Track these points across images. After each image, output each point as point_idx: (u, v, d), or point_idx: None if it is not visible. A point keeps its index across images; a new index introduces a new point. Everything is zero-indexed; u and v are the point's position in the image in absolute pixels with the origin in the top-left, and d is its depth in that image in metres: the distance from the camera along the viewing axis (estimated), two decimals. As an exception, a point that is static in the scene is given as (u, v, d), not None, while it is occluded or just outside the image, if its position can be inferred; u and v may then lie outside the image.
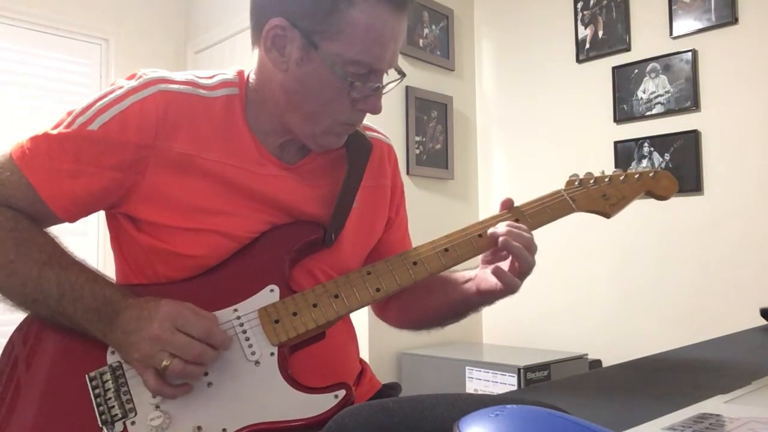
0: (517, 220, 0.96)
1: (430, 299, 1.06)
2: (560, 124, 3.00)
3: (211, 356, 0.79)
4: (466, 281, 1.01)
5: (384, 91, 0.89)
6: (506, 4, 3.28)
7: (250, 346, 0.83)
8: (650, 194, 1.05)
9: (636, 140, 2.72)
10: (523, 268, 0.93)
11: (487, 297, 0.98)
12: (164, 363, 0.76)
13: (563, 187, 1.02)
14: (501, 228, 0.93)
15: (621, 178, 1.03)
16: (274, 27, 0.84)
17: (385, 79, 0.89)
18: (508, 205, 0.99)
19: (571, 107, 2.97)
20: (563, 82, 3.01)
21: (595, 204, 1.01)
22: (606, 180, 1.02)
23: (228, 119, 0.90)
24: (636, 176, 1.04)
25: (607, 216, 1.02)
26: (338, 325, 0.95)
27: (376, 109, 0.89)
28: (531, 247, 0.92)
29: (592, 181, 1.02)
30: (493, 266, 0.94)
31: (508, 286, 0.93)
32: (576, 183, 1.02)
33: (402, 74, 0.90)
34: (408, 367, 2.78)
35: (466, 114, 3.31)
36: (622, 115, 2.78)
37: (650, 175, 1.04)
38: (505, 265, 0.95)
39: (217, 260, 0.87)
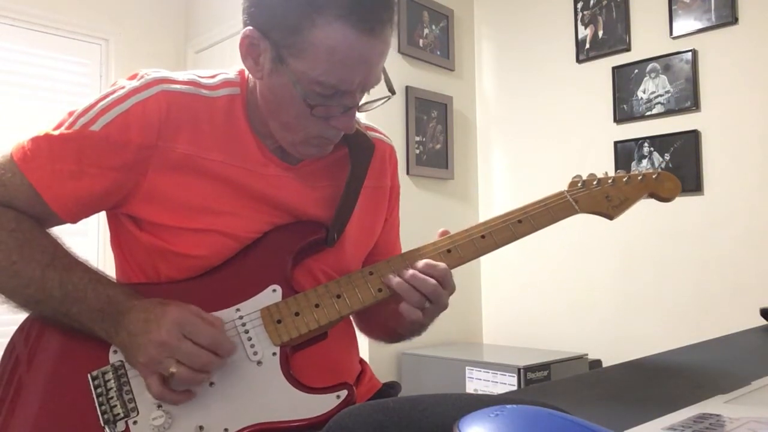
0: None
1: (374, 313, 1.04)
2: (560, 124, 3.00)
3: (216, 365, 0.79)
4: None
5: (367, 109, 0.89)
6: (506, 4, 3.28)
7: (252, 346, 0.83)
8: (653, 196, 1.05)
9: (636, 140, 2.72)
10: (420, 319, 0.88)
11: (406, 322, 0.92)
12: (171, 370, 0.76)
13: (566, 188, 1.02)
14: (401, 287, 0.87)
15: (624, 179, 1.02)
16: (247, 36, 0.84)
17: (373, 94, 0.88)
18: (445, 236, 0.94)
19: (571, 107, 2.97)
20: (563, 82, 3.01)
21: (598, 205, 1.01)
22: (609, 181, 1.02)
23: (230, 119, 0.90)
24: (639, 178, 1.03)
25: (610, 218, 1.02)
26: (339, 326, 0.95)
27: (347, 129, 0.88)
28: (435, 293, 0.87)
29: (595, 183, 1.02)
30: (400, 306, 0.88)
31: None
32: (579, 184, 1.02)
33: (392, 92, 0.89)
34: (408, 367, 2.78)
35: (466, 114, 3.31)
36: (622, 115, 2.78)
37: (653, 176, 1.04)
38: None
39: (219, 260, 0.87)
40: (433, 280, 0.87)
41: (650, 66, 2.70)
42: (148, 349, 0.77)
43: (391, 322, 0.98)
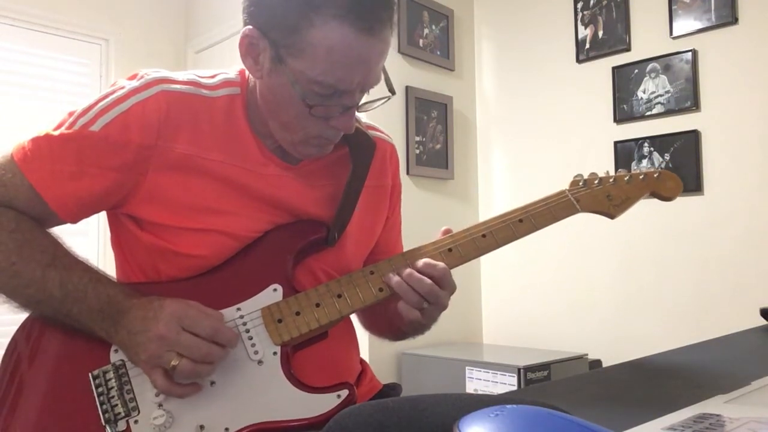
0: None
1: (378, 312, 1.04)
2: (560, 124, 3.00)
3: (218, 355, 0.79)
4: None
5: (367, 109, 0.89)
6: (506, 4, 3.28)
7: (253, 345, 0.83)
8: (655, 195, 1.05)
9: (636, 140, 2.72)
10: (419, 318, 0.88)
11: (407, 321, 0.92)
12: (173, 363, 0.76)
13: (567, 188, 1.02)
14: (400, 286, 0.87)
15: (626, 178, 1.02)
16: (246, 35, 0.84)
17: (373, 95, 0.88)
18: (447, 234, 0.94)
19: (571, 107, 2.97)
20: (563, 82, 3.01)
21: (600, 205, 1.01)
22: (610, 180, 1.02)
23: (230, 119, 0.90)
24: (641, 177, 1.03)
25: (612, 217, 1.02)
26: (339, 325, 0.95)
27: (347, 129, 0.88)
28: (432, 293, 0.86)
29: (596, 182, 1.01)
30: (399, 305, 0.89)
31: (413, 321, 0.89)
32: (580, 183, 1.02)
33: (392, 92, 0.89)
34: (408, 367, 2.78)
35: (466, 114, 3.31)
36: (622, 115, 2.78)
37: (655, 175, 1.04)
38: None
39: (219, 260, 0.87)
40: (429, 280, 0.86)
41: (650, 66, 2.70)
42: (148, 345, 0.77)
43: (395, 321, 0.98)
